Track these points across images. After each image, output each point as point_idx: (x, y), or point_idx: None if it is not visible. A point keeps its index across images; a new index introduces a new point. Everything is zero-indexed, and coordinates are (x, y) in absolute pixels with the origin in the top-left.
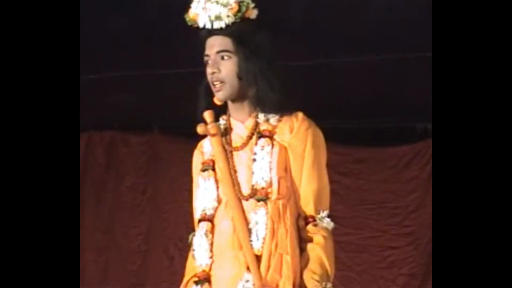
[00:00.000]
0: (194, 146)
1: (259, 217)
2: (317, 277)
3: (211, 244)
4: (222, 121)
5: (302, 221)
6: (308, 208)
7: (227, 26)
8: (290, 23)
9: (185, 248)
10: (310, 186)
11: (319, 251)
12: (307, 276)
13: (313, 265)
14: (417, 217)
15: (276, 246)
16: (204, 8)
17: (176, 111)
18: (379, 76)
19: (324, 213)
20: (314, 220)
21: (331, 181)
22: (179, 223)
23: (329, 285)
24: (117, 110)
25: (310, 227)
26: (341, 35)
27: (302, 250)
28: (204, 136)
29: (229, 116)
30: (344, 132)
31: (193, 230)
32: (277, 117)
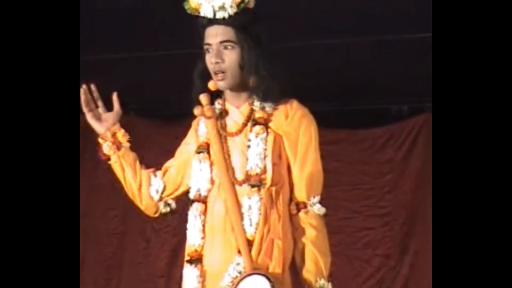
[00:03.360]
0: (170, 129)
1: (252, 202)
2: (311, 276)
3: (204, 225)
4: (218, 105)
5: (293, 206)
6: (301, 194)
7: (229, 16)
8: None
9: (161, 229)
10: (302, 172)
11: (311, 247)
12: (305, 276)
13: (308, 263)
14: (392, 198)
15: (269, 231)
16: None
17: (152, 94)
18: (354, 58)
19: (315, 199)
20: (305, 207)
21: None
22: None
23: (323, 281)
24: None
25: (301, 214)
26: (314, 19)
27: (295, 239)
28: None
29: (224, 100)
30: (319, 114)
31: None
32: (272, 105)
